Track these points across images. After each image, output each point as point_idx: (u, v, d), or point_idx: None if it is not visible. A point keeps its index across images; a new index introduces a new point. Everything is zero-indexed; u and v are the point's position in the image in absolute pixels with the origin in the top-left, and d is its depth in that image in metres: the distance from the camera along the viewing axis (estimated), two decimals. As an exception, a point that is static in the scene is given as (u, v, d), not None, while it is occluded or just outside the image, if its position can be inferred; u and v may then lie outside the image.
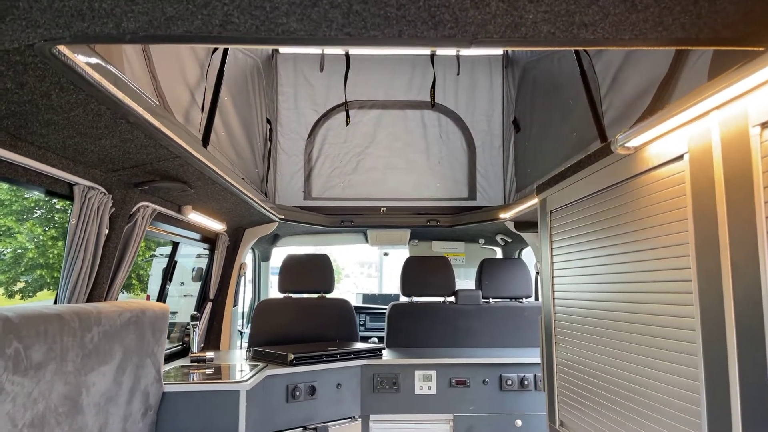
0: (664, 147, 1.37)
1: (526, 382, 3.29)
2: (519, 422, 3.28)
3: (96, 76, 1.24)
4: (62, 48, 1.09)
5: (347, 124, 4.34)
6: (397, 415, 3.28)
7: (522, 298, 4.08)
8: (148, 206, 2.44)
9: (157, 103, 1.85)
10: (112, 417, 1.96)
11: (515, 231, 3.83)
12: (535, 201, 2.54)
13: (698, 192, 1.22)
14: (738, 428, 1.11)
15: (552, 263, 2.27)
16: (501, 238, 4.76)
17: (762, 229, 1.02)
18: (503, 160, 4.35)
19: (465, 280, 5.41)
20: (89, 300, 2.16)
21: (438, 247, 5.22)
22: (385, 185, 4.35)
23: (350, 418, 3.20)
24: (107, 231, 2.17)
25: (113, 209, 2.17)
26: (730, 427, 1.13)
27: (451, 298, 4.07)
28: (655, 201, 1.41)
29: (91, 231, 2.04)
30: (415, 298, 4.15)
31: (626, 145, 1.46)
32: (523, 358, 3.33)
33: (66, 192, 1.93)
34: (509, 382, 3.30)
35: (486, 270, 4.12)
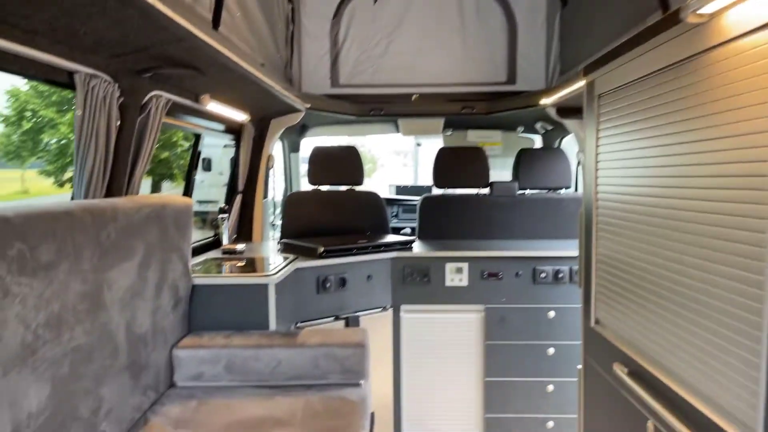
0: (751, 11, 1.10)
1: (560, 275, 3.21)
2: (552, 313, 3.24)
3: None
4: None
5: (375, 1, 3.96)
6: (428, 305, 3.28)
7: (560, 190, 3.89)
8: (161, 95, 2.29)
9: None
10: (140, 311, 1.97)
11: (557, 118, 3.55)
12: (581, 83, 2.28)
13: None
14: None
15: (597, 152, 2.05)
16: (541, 126, 4.47)
17: None
18: (547, 38, 3.94)
19: (501, 171, 5.21)
20: (108, 195, 2.10)
21: (473, 137, 4.97)
22: (417, 70, 4.05)
23: (381, 308, 3.22)
24: (118, 122, 2.05)
25: (122, 99, 2.03)
26: None
27: (486, 190, 3.92)
28: (732, 80, 1.17)
29: (100, 123, 1.92)
30: (448, 190, 4.01)
31: (700, 11, 1.20)
32: (558, 251, 3.22)
33: (66, 80, 1.78)
34: (543, 275, 3.22)
35: (524, 160, 3.91)
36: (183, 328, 2.39)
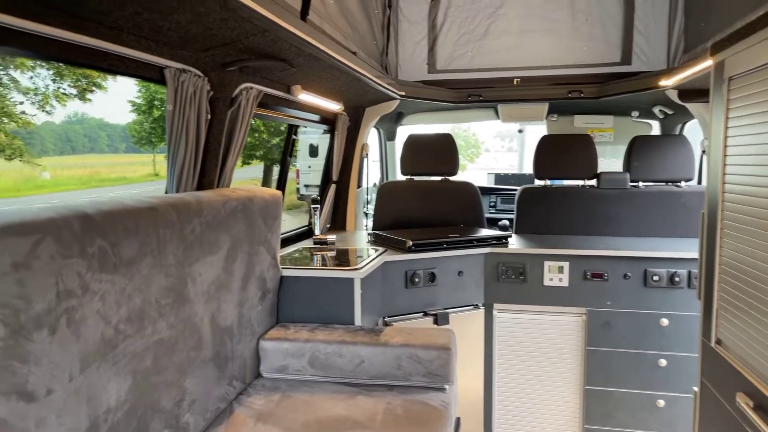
0: None
1: (677, 279, 2.86)
2: (665, 321, 2.91)
3: None
4: None
5: None
6: (523, 305, 3.07)
7: (680, 182, 3.47)
8: (252, 88, 2.29)
9: None
10: (225, 303, 1.99)
11: (679, 101, 3.16)
12: (708, 63, 1.96)
13: None
14: None
15: (725, 141, 1.75)
16: (660, 110, 4.02)
17: None
18: (669, 12, 3.50)
19: (611, 159, 4.78)
20: (199, 189, 2.14)
21: (581, 122, 4.60)
22: (519, 52, 3.78)
23: (472, 306, 3.07)
24: (209, 116, 2.07)
25: (212, 93, 2.05)
26: None
27: (593, 182, 3.60)
28: None
29: (190, 117, 1.95)
30: (551, 181, 3.73)
31: None
32: (675, 252, 2.87)
33: (157, 77, 1.81)
34: (656, 278, 2.89)
35: (638, 149, 3.53)
36: (271, 319, 2.41)
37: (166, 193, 2.05)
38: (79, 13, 1.36)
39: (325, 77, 2.63)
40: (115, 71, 1.64)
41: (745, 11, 2.13)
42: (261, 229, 2.26)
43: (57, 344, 1.19)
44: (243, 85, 2.23)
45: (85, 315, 1.27)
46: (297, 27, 1.85)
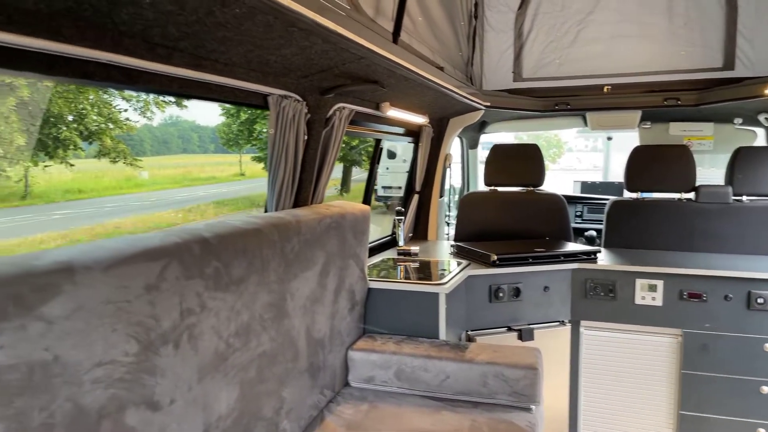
0: None
1: None
2: None
3: None
4: None
5: None
6: (613, 323, 2.98)
7: None
8: (344, 107, 2.38)
9: (342, 2, 1.68)
10: (319, 316, 2.09)
11: None
12: None
13: None
14: None
15: None
16: (766, 118, 3.75)
17: None
18: None
19: (710, 169, 4.51)
20: (296, 204, 2.26)
21: (677, 130, 4.36)
22: (610, 58, 3.67)
23: (558, 322, 3.02)
24: (306, 137, 2.19)
25: (309, 115, 2.16)
26: None
27: (690, 195, 3.42)
28: None
29: (289, 139, 2.06)
30: (643, 194, 3.58)
31: None
32: None
33: (261, 103, 1.94)
34: (761, 301, 2.71)
35: (741, 160, 3.32)
36: (358, 329, 2.50)
37: (266, 210, 2.18)
38: (200, 54, 1.49)
39: (413, 93, 2.68)
40: (225, 101, 1.78)
41: None
42: (351, 243, 2.35)
43: (179, 358, 1.32)
44: (336, 106, 2.33)
45: (203, 330, 1.39)
46: (390, 51, 1.91)
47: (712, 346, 2.82)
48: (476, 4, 3.72)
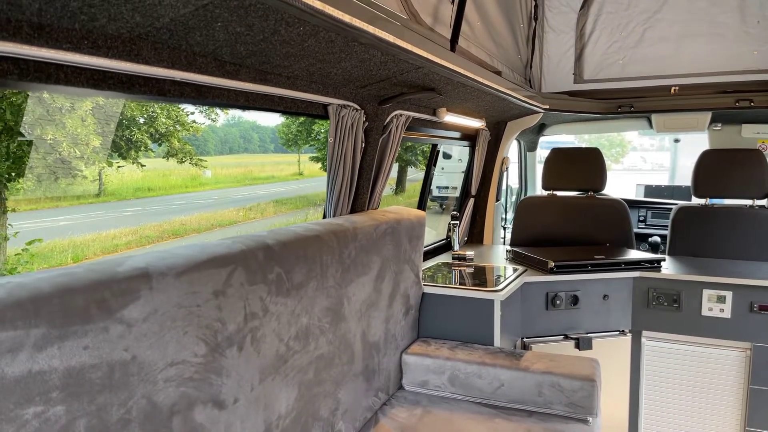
0: None
1: None
2: None
3: (316, 4, 1.15)
4: None
5: None
6: (677, 335, 2.87)
7: None
8: (401, 115, 2.42)
9: (399, 13, 1.71)
10: (374, 320, 2.14)
11: None
12: None
13: None
14: None
15: None
16: None
17: None
18: None
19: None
20: (353, 210, 2.31)
21: (750, 132, 4.13)
22: (678, 58, 3.53)
23: (618, 332, 2.94)
24: (363, 145, 2.23)
25: (366, 123, 2.20)
26: None
27: (763, 202, 3.24)
28: None
29: (347, 147, 2.11)
30: (712, 200, 3.43)
31: None
32: None
33: (321, 113, 2.00)
34: None
35: None
36: (413, 333, 2.53)
37: (324, 216, 2.24)
38: (265, 69, 1.55)
39: (470, 98, 2.68)
40: (287, 112, 1.84)
41: None
42: (406, 248, 2.38)
43: (243, 359, 1.39)
44: (394, 113, 2.36)
45: (265, 334, 1.46)
46: (447, 59, 1.92)
47: None
48: (536, 6, 3.66)
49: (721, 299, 2.78)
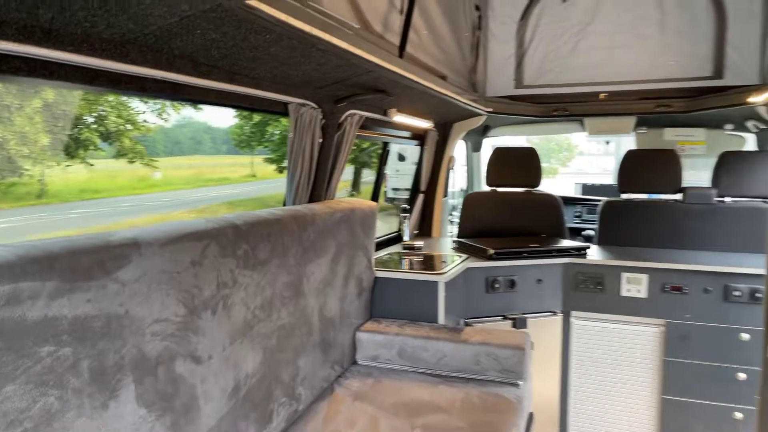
0: None
1: (758, 295, 2.90)
2: (746, 336, 2.95)
3: (281, 16, 1.37)
4: (244, 1, 1.23)
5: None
6: (601, 314, 3.22)
7: None
8: (355, 114, 2.66)
9: (352, 22, 1.95)
10: (330, 298, 2.36)
11: None
12: None
13: None
14: None
15: None
16: (753, 125, 3.98)
17: None
18: (762, 28, 3.49)
19: (704, 172, 4.72)
20: (311, 200, 2.53)
21: (671, 135, 4.59)
22: (607, 67, 3.90)
23: (550, 312, 3.26)
24: (320, 140, 2.46)
25: (323, 121, 2.43)
26: None
27: (677, 196, 3.65)
28: None
29: (306, 142, 2.34)
30: (634, 195, 3.82)
31: None
32: (757, 269, 2.91)
33: (282, 110, 2.22)
34: (737, 293, 2.94)
35: (726, 164, 3.56)
36: (365, 313, 2.77)
37: (285, 204, 2.46)
38: (234, 70, 1.76)
39: (418, 101, 2.95)
40: (251, 109, 2.06)
41: None
42: (360, 235, 2.62)
43: (216, 322, 1.59)
44: (348, 112, 2.60)
45: (234, 301, 1.67)
46: (396, 64, 2.18)
47: (693, 336, 3.05)
48: (480, 16, 3.97)
49: (638, 281, 3.14)
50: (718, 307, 3.00)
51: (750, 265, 2.96)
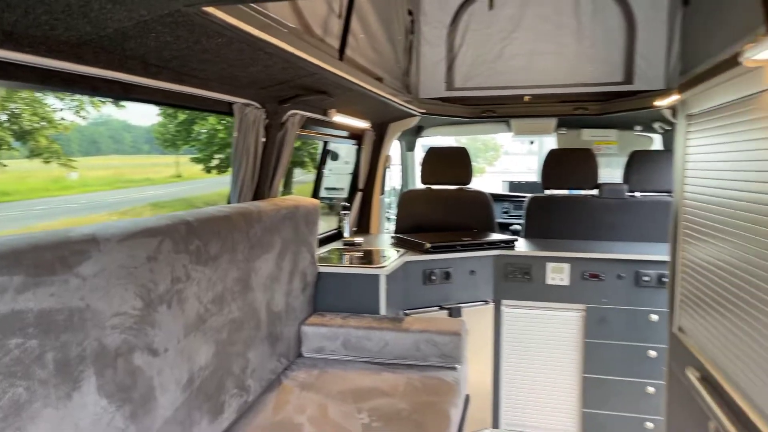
0: None
1: (664, 279, 3.24)
2: (655, 317, 3.28)
3: (233, 21, 1.45)
4: (202, 8, 1.30)
5: (490, 7, 4.14)
6: (528, 301, 3.48)
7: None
8: (296, 114, 2.74)
9: (294, 26, 2.03)
10: (276, 293, 2.44)
11: (673, 119, 3.53)
12: (677, 97, 2.35)
13: None
14: None
15: (684, 165, 2.15)
16: (659, 126, 4.39)
17: None
18: (668, 37, 3.87)
19: (617, 170, 5.15)
20: (255, 197, 2.59)
21: (588, 135, 4.97)
22: (530, 72, 4.18)
23: (483, 301, 3.48)
24: (264, 140, 2.52)
25: (267, 120, 2.50)
26: None
27: (594, 192, 3.98)
28: None
29: (250, 141, 2.40)
30: (557, 191, 4.13)
31: (754, 57, 1.32)
32: (663, 255, 3.25)
33: (227, 110, 2.27)
34: (646, 278, 3.27)
35: (635, 162, 3.92)
36: (310, 308, 2.86)
37: (229, 202, 2.50)
38: (183, 71, 1.81)
39: (357, 102, 3.07)
40: (198, 109, 2.10)
41: (732, 40, 2.51)
42: (303, 232, 2.70)
43: (171, 316, 1.64)
44: (290, 112, 2.68)
45: (188, 296, 1.72)
46: (336, 67, 2.28)
47: (609, 318, 3.36)
48: (412, 21, 4.14)
49: (561, 270, 3.42)
50: (631, 291, 3.32)
51: (657, 253, 3.30)
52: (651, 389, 3.33)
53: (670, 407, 2.31)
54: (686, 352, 2.04)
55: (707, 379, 1.80)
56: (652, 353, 3.31)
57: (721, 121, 1.77)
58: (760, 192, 1.43)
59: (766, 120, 1.42)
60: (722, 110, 1.76)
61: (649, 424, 3.32)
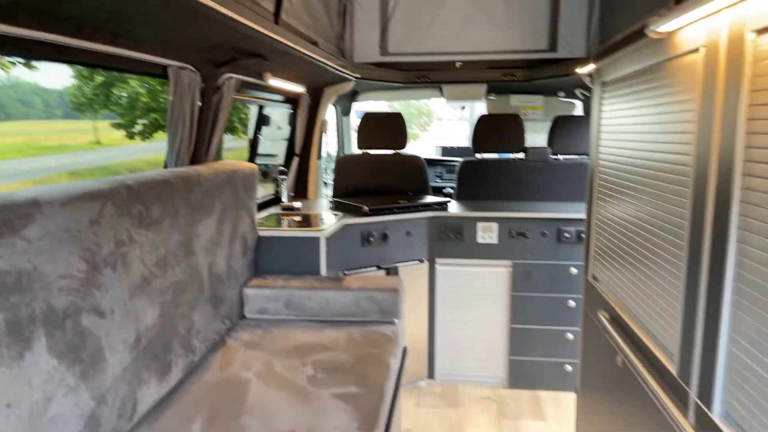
0: (687, 37, 1.40)
1: (583, 235, 3.52)
2: (574, 270, 3.57)
3: None
4: None
5: None
6: (460, 259, 3.68)
7: None
8: (232, 77, 2.72)
9: None
10: (218, 257, 2.48)
11: (592, 86, 3.78)
12: (593, 66, 2.54)
13: (705, 89, 1.29)
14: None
15: (599, 128, 2.36)
16: (581, 93, 4.66)
17: (741, 129, 1.12)
18: (588, 7, 4.08)
19: (543, 135, 5.43)
20: (193, 161, 2.59)
21: (516, 101, 5.20)
22: (461, 39, 4.29)
23: (418, 260, 3.65)
24: (200, 104, 2.51)
25: (203, 84, 2.48)
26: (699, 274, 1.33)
27: (521, 155, 4.21)
28: (674, 88, 1.48)
29: (186, 105, 2.38)
30: (487, 155, 4.32)
31: (658, 29, 1.49)
32: (582, 214, 3.51)
33: (162, 73, 2.24)
34: (567, 235, 3.54)
35: (558, 127, 4.16)
36: (251, 271, 2.91)
37: (165, 166, 2.49)
38: (117, 33, 1.78)
39: (292, 66, 3.08)
40: (133, 71, 2.07)
41: (648, 10, 2.71)
42: (242, 196, 2.73)
43: (116, 278, 1.66)
44: (225, 76, 2.66)
45: (132, 259, 1.74)
46: (272, 30, 2.30)
47: (533, 273, 3.62)
48: None
49: (490, 229, 3.63)
50: (553, 247, 3.59)
51: (577, 211, 3.57)
52: (570, 336, 3.64)
53: (585, 348, 2.57)
54: (599, 297, 2.28)
55: (616, 320, 2.03)
56: (571, 303, 3.61)
57: (630, 88, 1.96)
58: (662, 152, 1.62)
59: (668, 87, 1.60)
60: (631, 78, 1.95)
61: (568, 367, 3.65)
